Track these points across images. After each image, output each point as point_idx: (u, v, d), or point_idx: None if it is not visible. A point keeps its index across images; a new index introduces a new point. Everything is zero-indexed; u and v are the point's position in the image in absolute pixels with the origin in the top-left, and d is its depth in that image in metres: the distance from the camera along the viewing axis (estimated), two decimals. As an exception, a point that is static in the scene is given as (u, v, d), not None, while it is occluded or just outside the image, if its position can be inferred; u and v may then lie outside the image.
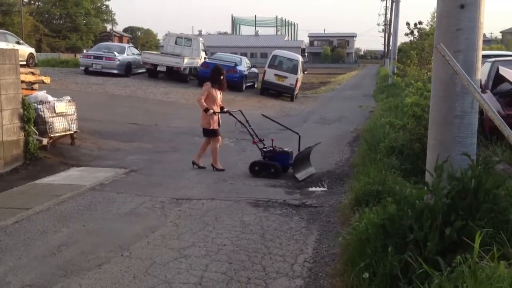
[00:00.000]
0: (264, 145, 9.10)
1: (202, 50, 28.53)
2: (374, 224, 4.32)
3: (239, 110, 9.44)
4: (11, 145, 8.74)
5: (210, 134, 9.21)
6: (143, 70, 26.23)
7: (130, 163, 9.44)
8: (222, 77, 9.29)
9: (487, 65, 10.70)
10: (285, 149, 9.04)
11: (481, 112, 5.26)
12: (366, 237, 4.28)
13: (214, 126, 9.13)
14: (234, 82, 24.84)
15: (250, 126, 9.23)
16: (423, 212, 3.90)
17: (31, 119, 9.17)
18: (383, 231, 4.10)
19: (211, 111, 8.98)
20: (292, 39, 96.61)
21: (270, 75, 24.65)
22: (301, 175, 8.51)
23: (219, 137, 9.31)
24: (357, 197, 6.16)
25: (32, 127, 9.25)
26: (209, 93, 9.12)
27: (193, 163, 9.28)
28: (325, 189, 7.96)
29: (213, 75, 9.42)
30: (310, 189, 7.96)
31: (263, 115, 10.13)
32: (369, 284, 3.78)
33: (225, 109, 9.38)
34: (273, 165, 8.74)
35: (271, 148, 9.02)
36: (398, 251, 3.79)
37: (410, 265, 3.61)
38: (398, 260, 3.69)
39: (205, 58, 28.02)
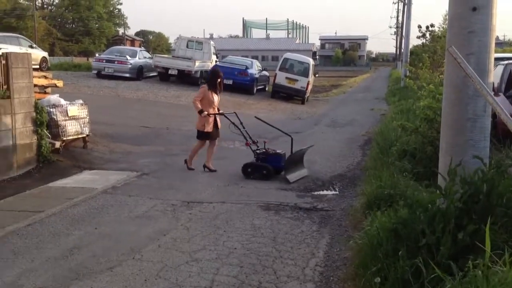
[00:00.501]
0: (258, 147, 9.17)
1: (213, 53, 28.58)
2: (386, 228, 4.29)
3: (234, 112, 9.55)
4: (24, 148, 8.82)
5: (202, 136, 9.33)
6: (155, 74, 26.33)
7: (141, 166, 9.48)
8: (219, 80, 9.37)
9: (500, 68, 10.62)
10: (278, 151, 9.11)
11: (494, 115, 5.21)
12: (378, 241, 4.25)
13: (208, 129, 9.22)
14: (245, 85, 24.90)
15: (244, 128, 9.29)
16: (436, 216, 3.88)
17: (44, 122, 9.25)
18: (395, 235, 4.08)
19: (205, 112, 9.08)
20: (303, 42, 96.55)
21: (281, 78, 24.64)
22: (292, 177, 8.58)
23: (209, 141, 9.39)
24: (369, 200, 6.13)
25: (45, 131, 9.32)
26: (205, 96, 9.23)
27: (204, 167, 9.31)
28: (337, 192, 7.94)
29: (211, 78, 9.53)
30: (322, 192, 7.95)
31: (256, 117, 10.16)
32: (380, 288, 3.76)
33: (220, 111, 9.49)
34: (265, 167, 8.79)
35: (264, 150, 9.09)
36: (410, 255, 3.77)
37: (422, 270, 3.58)
38: (410, 265, 3.66)
39: (216, 61, 28.07)
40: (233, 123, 9.20)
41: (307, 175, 8.92)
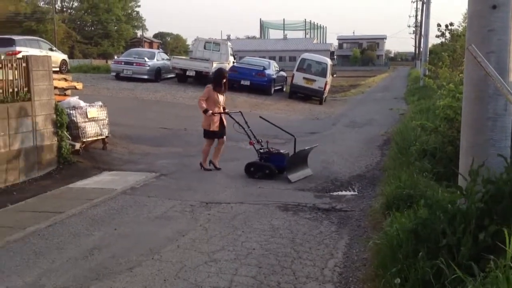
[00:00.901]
0: (262, 146, 9.23)
1: (231, 54, 28.64)
2: (405, 229, 4.25)
3: (239, 112, 9.64)
4: (45, 150, 8.93)
5: (209, 135, 9.43)
6: (173, 75, 26.48)
7: (160, 167, 9.53)
8: (224, 80, 9.48)
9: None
10: (281, 151, 9.19)
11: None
12: (398, 242, 4.22)
13: (214, 128, 9.32)
14: (262, 86, 24.89)
15: (248, 127, 9.36)
16: (456, 217, 3.84)
17: (64, 124, 9.36)
18: (415, 236, 4.04)
19: (210, 111, 9.18)
20: (321, 42, 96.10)
21: (299, 78, 24.58)
22: (294, 176, 8.61)
23: (218, 139, 9.48)
24: (388, 201, 6.08)
25: (65, 132, 9.44)
26: (210, 96, 9.34)
27: (210, 162, 9.53)
28: (355, 193, 7.90)
29: (216, 77, 9.64)
30: (340, 193, 7.91)
31: (261, 117, 10.18)
32: (400, 289, 3.73)
33: (226, 110, 9.62)
34: (268, 166, 8.87)
35: (267, 150, 9.17)
36: (430, 256, 3.74)
37: (442, 271, 3.55)
38: (431, 266, 3.63)
39: (233, 62, 28.12)
40: (237, 122, 9.28)
41: (311, 175, 8.95)
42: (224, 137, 9.58)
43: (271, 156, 9.04)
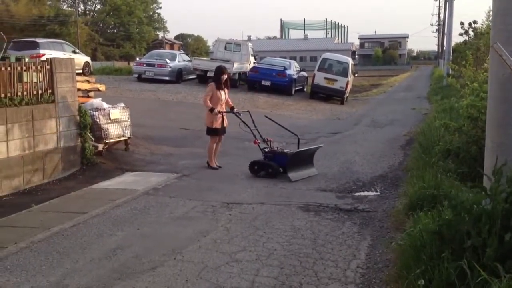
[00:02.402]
0: (268, 145, 9.29)
1: (251, 55, 28.66)
2: (429, 230, 4.20)
3: (247, 111, 9.74)
4: (68, 151, 9.05)
5: (211, 132, 9.56)
6: (194, 76, 26.61)
7: (181, 168, 9.58)
8: (223, 76, 9.56)
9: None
10: (285, 151, 9.25)
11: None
12: (421, 243, 4.17)
13: (216, 125, 9.45)
14: (283, 86, 24.85)
15: (255, 127, 9.41)
16: (481, 217, 3.78)
17: (87, 125, 9.47)
18: (439, 237, 3.99)
19: (216, 111, 9.30)
20: (342, 41, 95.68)
21: (320, 78, 24.47)
22: (294, 175, 8.67)
23: (218, 137, 9.63)
24: (411, 201, 6.02)
25: (88, 134, 9.55)
26: (213, 93, 9.44)
27: (208, 164, 9.69)
28: (378, 193, 7.83)
29: (215, 75, 9.78)
30: (362, 193, 7.84)
31: (266, 116, 10.29)
32: (424, 291, 3.68)
33: (234, 109, 9.75)
34: (270, 165, 8.94)
35: (271, 149, 9.23)
36: (454, 257, 3.69)
37: (467, 272, 3.49)
38: (455, 267, 3.58)
39: (254, 63, 28.13)
40: (243, 122, 9.34)
41: (316, 174, 9.02)
42: (223, 136, 9.74)
43: (275, 155, 9.10)
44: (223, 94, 9.56)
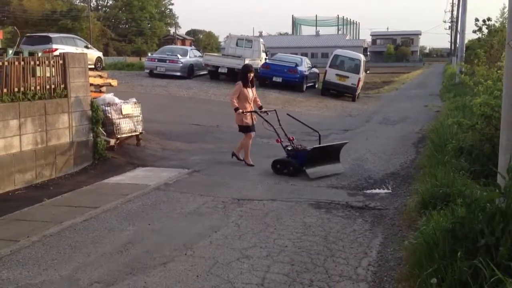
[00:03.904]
0: (293, 144, 9.25)
1: (263, 51, 28.60)
2: (442, 228, 4.17)
3: (274, 110, 9.70)
4: (80, 145, 9.09)
5: (244, 129, 9.54)
6: (205, 72, 26.62)
7: (193, 164, 9.59)
8: (250, 75, 9.51)
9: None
10: (307, 148, 9.17)
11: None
12: (434, 241, 4.14)
13: (248, 121, 9.43)
14: (294, 83, 24.80)
15: (280, 126, 9.38)
16: (495, 216, 3.74)
17: (99, 120, 9.51)
18: (452, 236, 3.96)
19: (240, 110, 9.28)
20: (354, 38, 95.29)
21: (331, 75, 24.37)
22: (312, 172, 8.56)
23: (251, 133, 9.57)
24: (424, 199, 5.98)
25: (100, 128, 9.59)
26: (240, 92, 9.44)
27: (233, 154, 9.77)
28: (390, 191, 7.78)
29: (242, 73, 9.72)
30: (374, 191, 7.80)
31: (288, 114, 10.27)
32: (437, 290, 3.65)
33: (263, 109, 9.70)
34: (292, 163, 8.86)
35: (294, 147, 9.19)
36: (468, 256, 3.65)
37: (480, 271, 3.46)
38: (468, 266, 3.54)
39: (265, 59, 28.08)
40: (267, 121, 9.29)
41: (341, 172, 8.85)
42: (253, 133, 9.64)
43: (297, 153, 9.01)
44: (250, 92, 9.54)
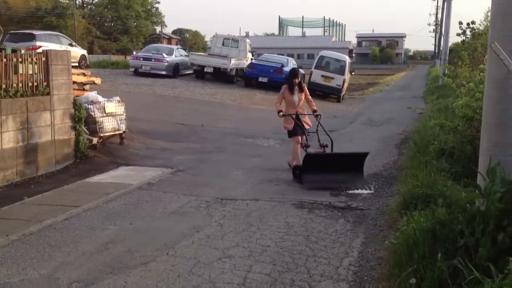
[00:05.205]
0: (323, 150, 8.63)
1: (249, 51, 28.62)
2: (422, 228, 4.20)
3: (319, 115, 9.15)
4: (62, 144, 9.00)
5: (289, 134, 9.22)
6: (191, 71, 26.55)
7: (176, 163, 9.55)
8: (295, 80, 9.11)
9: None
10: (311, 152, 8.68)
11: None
12: (414, 242, 4.17)
13: (287, 126, 9.08)
14: (280, 83, 24.66)
15: (317, 131, 8.79)
16: (475, 217, 3.78)
17: (82, 118, 9.43)
18: (432, 236, 3.99)
19: (281, 113, 9.03)
20: (340, 40, 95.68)
21: (317, 76, 24.45)
22: (309, 179, 8.04)
23: (297, 138, 8.99)
24: (405, 200, 6.02)
25: (83, 127, 9.50)
26: (285, 96, 9.15)
27: (288, 164, 9.22)
28: (372, 191, 7.81)
29: (288, 78, 9.40)
30: (356, 191, 7.82)
31: (315, 114, 9.91)
32: (416, 289, 3.68)
33: (316, 112, 9.16)
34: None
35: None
36: (447, 256, 3.68)
37: (459, 271, 3.49)
38: (447, 266, 3.57)
39: (251, 59, 28.11)
40: (297, 123, 8.86)
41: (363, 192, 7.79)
42: (299, 137, 8.99)
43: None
44: (296, 97, 9.08)
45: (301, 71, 28.06)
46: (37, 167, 8.48)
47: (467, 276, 3.39)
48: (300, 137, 9.01)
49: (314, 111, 9.21)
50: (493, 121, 4.41)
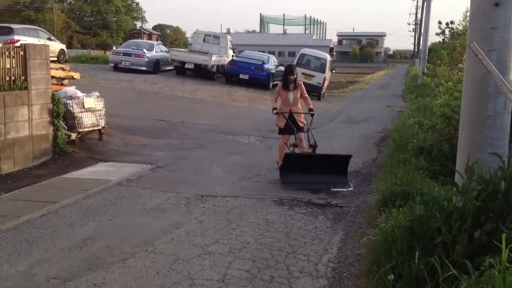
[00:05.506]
0: (313, 150, 8.47)
1: (230, 48, 28.55)
2: (401, 226, 4.24)
3: (313, 114, 8.97)
4: (40, 139, 8.88)
5: (279, 132, 9.08)
6: (171, 68, 26.38)
7: (156, 159, 9.49)
8: (290, 77, 8.81)
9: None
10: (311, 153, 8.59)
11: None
12: (393, 238, 4.20)
13: (279, 125, 8.91)
14: (261, 80, 24.84)
15: (308, 129, 8.79)
16: (452, 214, 3.82)
17: (60, 114, 9.31)
18: (410, 233, 4.03)
19: (274, 111, 8.86)
20: (321, 38, 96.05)
21: (298, 74, 24.47)
22: (287, 179, 7.95)
23: (285, 136, 8.85)
24: (384, 197, 6.07)
25: (61, 122, 9.38)
26: (280, 94, 8.96)
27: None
28: (351, 189, 7.86)
29: (283, 75, 9.15)
30: (336, 189, 7.86)
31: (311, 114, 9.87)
32: (394, 286, 3.72)
33: (312, 111, 8.97)
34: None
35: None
36: (425, 253, 3.72)
37: (437, 268, 3.53)
38: (425, 263, 3.61)
39: (233, 56, 28.04)
40: (288, 122, 8.66)
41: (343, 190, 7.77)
42: (301, 133, 8.79)
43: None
44: (291, 95, 8.80)
45: (282, 68, 28.30)
46: (14, 162, 8.35)
47: (444, 273, 3.43)
48: (288, 136, 8.88)
49: (310, 109, 9.00)
50: (471, 120, 4.47)
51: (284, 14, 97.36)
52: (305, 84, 9.52)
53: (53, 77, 9.81)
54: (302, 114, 8.95)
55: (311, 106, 9.05)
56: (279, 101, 9.05)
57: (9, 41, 17.93)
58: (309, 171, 8.01)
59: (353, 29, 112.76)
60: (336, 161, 8.37)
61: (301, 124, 8.83)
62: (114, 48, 31.24)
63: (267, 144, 11.80)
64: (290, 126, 8.69)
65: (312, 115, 8.93)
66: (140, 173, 8.37)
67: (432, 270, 3.59)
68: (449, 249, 3.67)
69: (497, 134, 4.33)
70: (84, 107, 10.04)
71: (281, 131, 8.95)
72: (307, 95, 9.12)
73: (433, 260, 3.57)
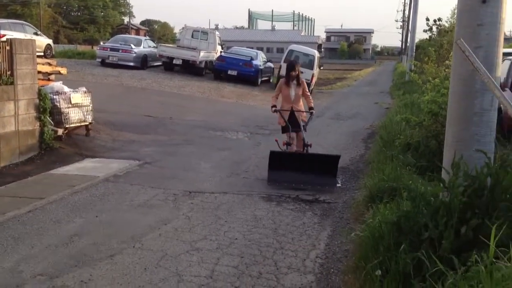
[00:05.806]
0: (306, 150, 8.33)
1: (218, 44, 28.49)
2: (388, 221, 4.26)
3: (312, 112, 8.91)
4: (26, 134, 8.80)
5: (282, 130, 8.98)
6: (159, 63, 26.27)
7: (144, 155, 9.45)
8: (293, 73, 8.68)
9: (507, 63, 10.54)
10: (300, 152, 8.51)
11: (499, 110, 5.16)
12: (380, 234, 4.23)
13: (280, 122, 8.86)
14: (249, 76, 24.84)
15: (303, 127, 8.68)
16: (439, 210, 3.84)
17: (47, 109, 9.22)
18: (397, 228, 4.05)
19: (273, 108, 8.73)
20: (309, 34, 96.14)
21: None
22: (273, 177, 7.88)
23: (288, 134, 8.66)
24: (371, 193, 6.10)
25: (48, 118, 9.30)
26: (282, 90, 8.80)
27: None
28: (339, 185, 7.90)
29: (286, 70, 8.99)
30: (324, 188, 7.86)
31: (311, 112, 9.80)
32: (381, 281, 3.74)
33: (312, 110, 8.88)
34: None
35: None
36: (412, 249, 3.75)
37: (423, 263, 3.55)
38: (412, 258, 3.63)
39: (221, 52, 27.99)
40: (286, 121, 8.60)
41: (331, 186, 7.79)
42: (301, 132, 8.61)
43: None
44: (292, 91, 8.66)
45: (271, 64, 28.37)
46: (0, 158, 8.26)
47: (431, 268, 3.46)
48: (290, 134, 8.66)
49: (310, 108, 8.88)
50: (457, 117, 4.49)
51: (272, 10, 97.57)
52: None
53: (39, 72, 9.71)
54: (304, 112, 8.89)
55: (312, 105, 8.95)
56: (280, 98, 8.92)
57: (-6, 35, 17.74)
58: (297, 170, 7.91)
59: (341, 26, 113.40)
60: (325, 161, 8.23)
61: (302, 123, 8.71)
62: (101, 43, 31.03)
63: (255, 140, 11.80)
64: (292, 123, 8.59)
65: (311, 113, 8.90)
66: (127, 169, 8.33)
67: (418, 265, 3.61)
68: (435, 244, 3.69)
69: (484, 130, 4.36)
70: (71, 102, 9.96)
71: (284, 130, 8.85)
72: (308, 93, 9.03)
73: (420, 255, 3.59)
